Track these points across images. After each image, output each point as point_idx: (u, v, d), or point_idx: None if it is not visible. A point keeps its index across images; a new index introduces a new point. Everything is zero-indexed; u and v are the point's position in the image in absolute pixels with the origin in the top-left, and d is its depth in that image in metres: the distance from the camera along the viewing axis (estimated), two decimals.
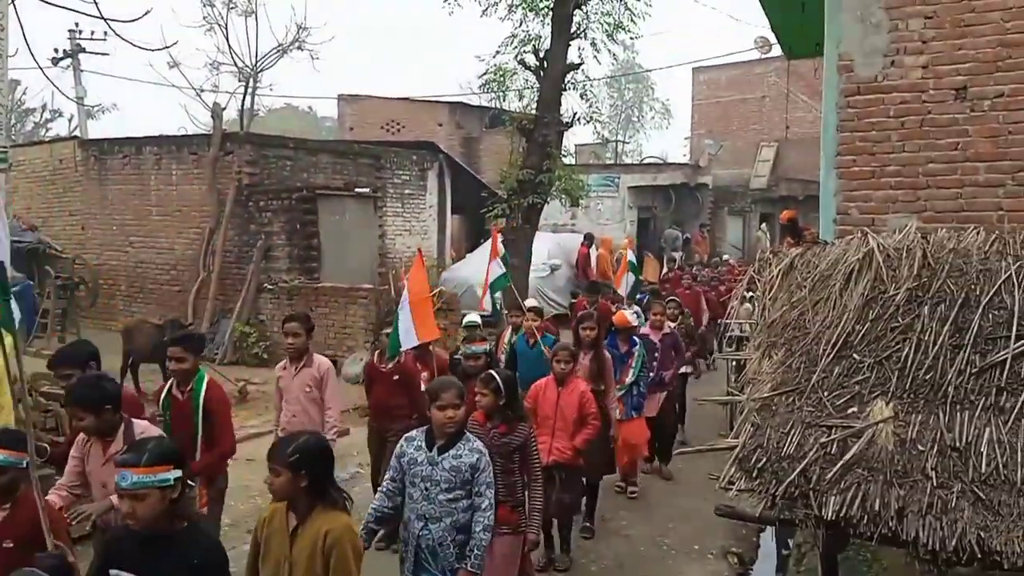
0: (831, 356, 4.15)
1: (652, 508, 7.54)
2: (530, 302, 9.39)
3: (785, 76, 28.47)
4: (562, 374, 6.01)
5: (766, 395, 4.11)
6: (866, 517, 3.45)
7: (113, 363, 11.54)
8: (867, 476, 3.58)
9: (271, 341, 13.91)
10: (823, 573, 4.31)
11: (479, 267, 16.61)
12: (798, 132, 29.32)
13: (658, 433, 8.29)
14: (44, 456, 4.88)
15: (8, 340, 4.87)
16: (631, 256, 19.65)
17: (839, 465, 3.61)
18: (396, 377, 6.56)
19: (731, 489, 3.79)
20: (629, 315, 8.00)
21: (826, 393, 4.00)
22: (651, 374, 7.92)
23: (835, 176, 6.36)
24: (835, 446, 3.72)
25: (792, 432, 3.83)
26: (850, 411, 3.90)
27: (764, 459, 3.76)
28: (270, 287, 14.21)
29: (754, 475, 3.74)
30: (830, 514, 3.49)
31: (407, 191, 17.90)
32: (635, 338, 7.76)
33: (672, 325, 8.99)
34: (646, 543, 6.72)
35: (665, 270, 21.13)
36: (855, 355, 4.14)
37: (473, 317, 9.26)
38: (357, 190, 15.89)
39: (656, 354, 8.27)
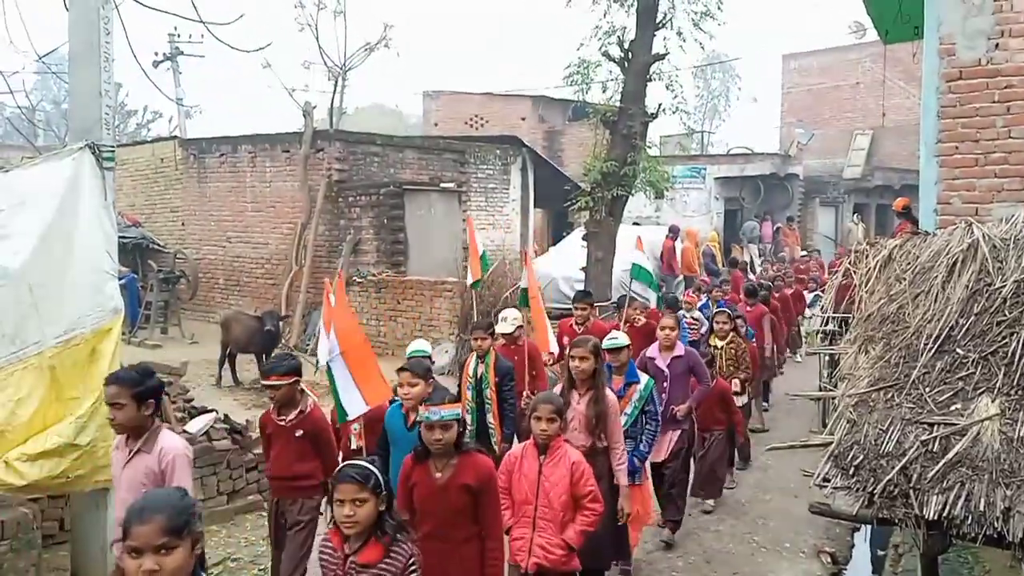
0: (933, 351, 4.02)
1: (742, 504, 7.42)
2: (508, 316, 7.17)
3: (880, 61, 27.42)
4: (545, 439, 4.23)
5: (863, 391, 4.00)
6: (970, 517, 3.34)
7: (211, 353, 12.07)
8: (971, 475, 3.46)
9: None
10: (923, 575, 4.17)
11: (561, 260, 16.67)
12: (894, 119, 28.23)
13: (664, 484, 6.42)
14: None
15: (115, 331, 5.17)
16: (711, 249, 19.50)
17: (942, 463, 3.50)
18: (300, 433, 4.85)
19: (826, 486, 3.71)
20: (619, 334, 5.89)
21: (927, 389, 3.88)
22: (654, 421, 5.67)
23: (936, 164, 6.11)
24: (937, 444, 3.61)
25: (891, 429, 3.73)
26: (953, 408, 3.77)
27: (861, 456, 3.67)
28: (359, 280, 14.53)
29: (851, 472, 3.65)
30: (932, 514, 3.38)
31: (491, 185, 18.01)
32: (635, 367, 5.84)
33: (683, 345, 6.91)
34: (735, 540, 6.61)
35: (747, 261, 20.72)
36: (959, 350, 3.99)
37: (420, 346, 6.37)
38: (442, 185, 16.09)
39: (665, 384, 6.42)
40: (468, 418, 5.94)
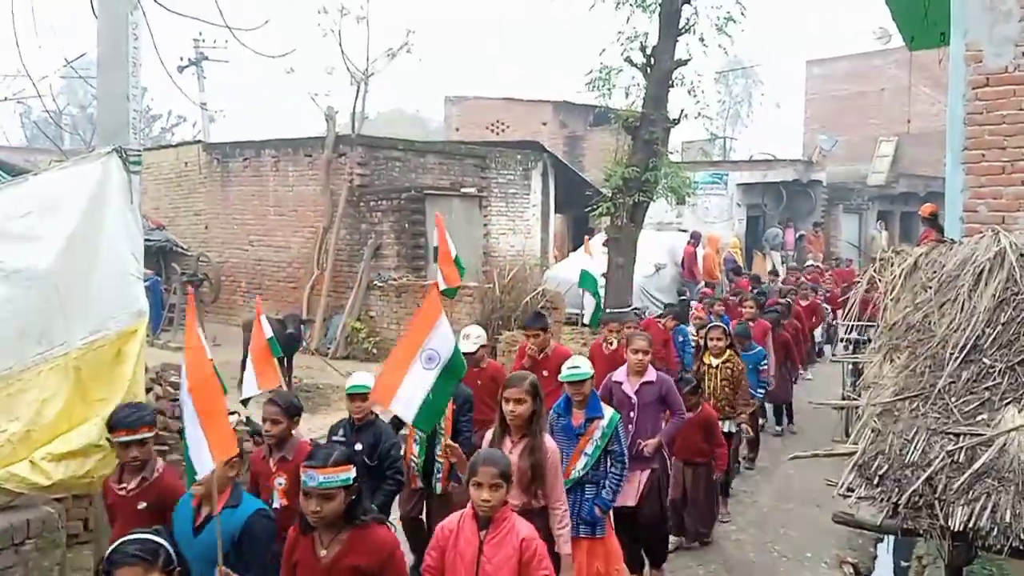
0: (959, 360, 3.97)
1: (763, 513, 7.36)
2: (471, 333, 6.30)
3: (905, 67, 27.23)
4: (487, 511, 3.43)
5: (888, 400, 3.96)
6: (996, 529, 3.30)
7: (234, 356, 12.16)
8: (997, 486, 3.41)
9: (380, 336, 14.29)
10: None
11: (582, 266, 16.63)
12: (919, 126, 28.00)
13: (639, 530, 5.53)
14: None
15: (139, 333, 5.22)
16: (732, 256, 19.34)
17: (967, 474, 3.45)
18: (142, 505, 4.01)
19: (850, 496, 3.67)
20: (581, 361, 5.02)
21: (953, 399, 3.83)
22: (620, 463, 4.87)
23: (962, 172, 6.06)
24: (963, 454, 3.56)
25: (916, 439, 3.68)
26: (979, 418, 3.72)
27: (886, 466, 3.63)
28: (379, 284, 14.59)
29: (875, 482, 3.61)
30: (957, 525, 3.34)
31: (511, 190, 18.04)
32: (598, 400, 5.00)
33: (656, 370, 5.99)
34: (756, 549, 6.57)
35: (770, 268, 20.60)
36: (985, 359, 3.94)
37: (362, 380, 5.31)
38: (463, 190, 16.14)
39: (632, 414, 5.55)
40: (415, 454, 5.39)
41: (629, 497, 5.31)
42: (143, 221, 5.95)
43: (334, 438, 5.22)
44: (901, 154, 27.87)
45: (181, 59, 24.63)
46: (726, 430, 6.93)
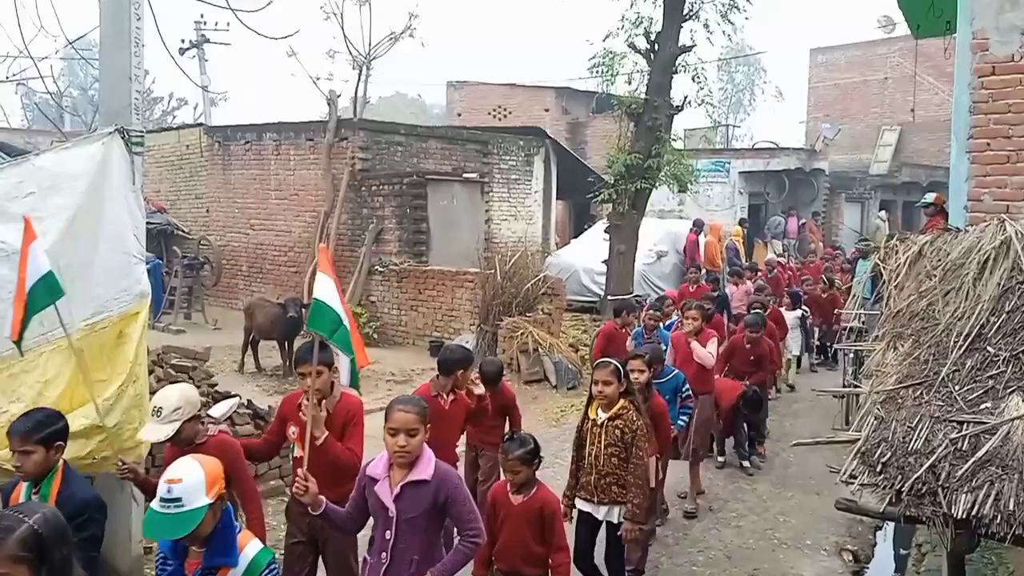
0: (963, 348, 3.95)
1: (763, 500, 7.38)
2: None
3: (909, 56, 27.14)
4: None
5: (891, 387, 3.95)
6: (999, 516, 3.29)
7: (234, 339, 12.16)
8: (1001, 474, 3.40)
9: (381, 322, 14.29)
10: (949, 574, 4.13)
11: (584, 252, 16.64)
12: (923, 115, 27.96)
13: None
14: None
15: (141, 315, 5.21)
16: (734, 244, 19.25)
17: (971, 462, 3.44)
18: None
19: (852, 483, 3.66)
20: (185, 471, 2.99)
21: (957, 387, 3.82)
22: None
23: (967, 160, 6.02)
24: (966, 442, 3.55)
25: (920, 426, 3.67)
26: (983, 406, 3.71)
27: (889, 453, 3.62)
28: (381, 269, 14.58)
29: (878, 470, 3.60)
30: (960, 512, 3.33)
31: (513, 176, 18.00)
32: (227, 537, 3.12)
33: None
34: (756, 535, 6.58)
35: (769, 256, 20.53)
36: (989, 348, 3.93)
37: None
38: (465, 175, 16.10)
39: (388, 534, 3.56)
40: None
41: None
42: (145, 204, 5.92)
43: None
44: (904, 143, 27.81)
45: (183, 41, 24.48)
46: (612, 519, 4.86)
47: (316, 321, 4.02)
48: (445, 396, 5.25)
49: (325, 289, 4.00)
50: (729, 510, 7.08)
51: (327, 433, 4.20)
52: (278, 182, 16.69)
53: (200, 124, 20.45)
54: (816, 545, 6.44)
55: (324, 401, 4.35)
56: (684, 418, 6.44)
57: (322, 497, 3.64)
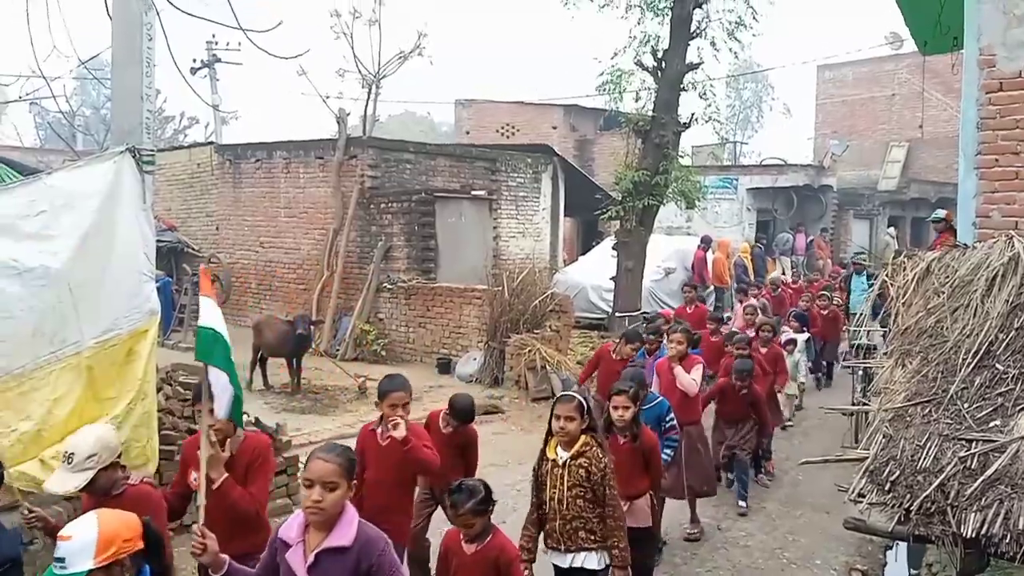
0: (972, 366, 3.94)
1: (772, 519, 7.33)
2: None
3: (916, 72, 27.15)
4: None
5: (900, 405, 3.94)
6: (1009, 536, 3.27)
7: (243, 356, 12.18)
8: (1010, 493, 3.38)
9: (389, 339, 14.31)
10: None
11: (592, 269, 16.65)
12: (931, 131, 27.94)
13: None
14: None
15: (151, 332, 5.24)
16: (742, 260, 19.20)
17: (980, 480, 3.42)
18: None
19: (861, 502, 3.65)
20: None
21: (966, 405, 3.80)
22: None
23: (975, 177, 6.02)
24: (975, 460, 3.53)
25: (928, 444, 3.66)
26: (992, 424, 3.69)
27: (897, 472, 3.61)
28: (389, 287, 14.61)
29: (886, 488, 3.59)
30: (970, 531, 3.31)
31: (521, 193, 18.05)
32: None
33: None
34: (764, 554, 6.53)
35: (779, 273, 20.47)
36: (998, 365, 3.92)
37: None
38: (473, 193, 16.16)
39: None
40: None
41: None
42: (155, 222, 5.97)
43: None
44: (912, 160, 27.81)
45: (194, 61, 24.76)
46: (587, 565, 4.32)
47: (205, 350, 3.55)
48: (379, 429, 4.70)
49: (211, 314, 3.60)
50: (738, 529, 7.03)
51: (225, 475, 3.80)
52: (288, 200, 16.78)
53: (211, 143, 20.61)
54: (826, 565, 6.38)
55: (228, 441, 3.96)
56: (669, 451, 5.85)
57: (224, 556, 3.12)
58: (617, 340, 8.29)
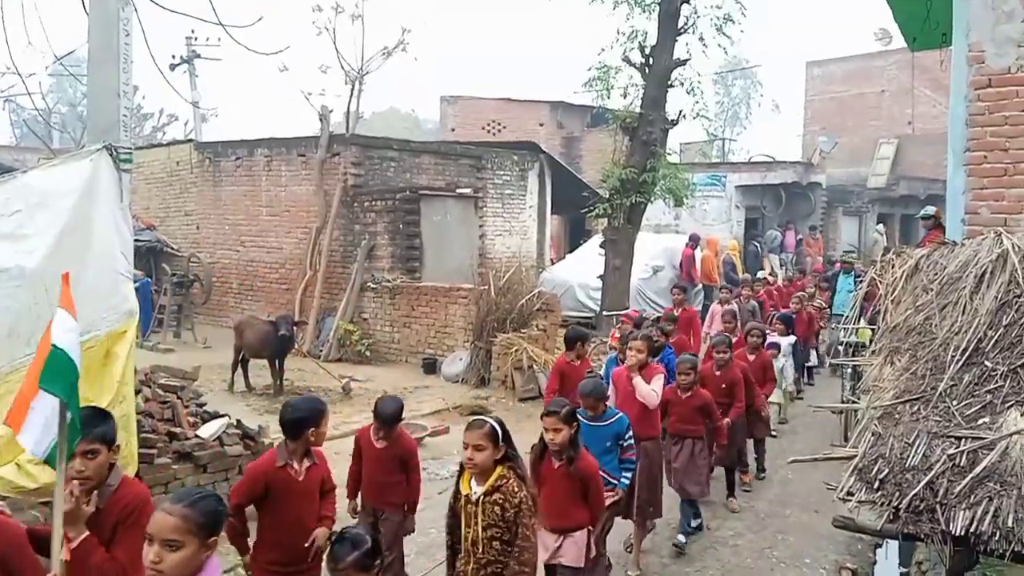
0: (960, 363, 3.91)
1: (761, 518, 7.30)
2: None
3: (906, 69, 27.27)
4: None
5: (888, 403, 3.90)
6: (998, 533, 3.24)
7: (224, 358, 12.06)
8: (999, 490, 3.35)
9: (374, 339, 14.21)
10: None
11: (579, 267, 16.61)
12: (920, 128, 28.10)
13: None
14: None
15: (129, 334, 5.13)
16: (731, 258, 19.19)
17: (969, 478, 3.39)
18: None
19: (849, 500, 3.60)
20: None
21: (955, 402, 3.77)
22: None
23: (964, 173, 6.00)
24: (964, 458, 3.50)
25: (917, 442, 3.62)
26: (981, 421, 3.66)
27: (886, 470, 3.57)
28: (373, 286, 14.51)
29: (875, 486, 3.55)
30: (959, 529, 3.28)
31: (507, 191, 17.99)
32: None
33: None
34: (754, 554, 6.49)
35: (768, 271, 20.50)
36: (987, 362, 3.89)
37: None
38: (459, 190, 16.07)
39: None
40: None
41: None
42: (133, 221, 5.87)
43: None
44: (901, 156, 27.93)
45: (173, 57, 24.43)
46: None
47: (51, 378, 3.06)
48: (298, 465, 4.15)
49: (66, 334, 3.17)
50: (726, 528, 6.99)
51: (86, 534, 3.25)
52: (269, 198, 16.64)
53: (190, 140, 20.39)
54: (815, 563, 6.35)
55: (96, 491, 3.41)
56: (627, 475, 5.32)
57: None
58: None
